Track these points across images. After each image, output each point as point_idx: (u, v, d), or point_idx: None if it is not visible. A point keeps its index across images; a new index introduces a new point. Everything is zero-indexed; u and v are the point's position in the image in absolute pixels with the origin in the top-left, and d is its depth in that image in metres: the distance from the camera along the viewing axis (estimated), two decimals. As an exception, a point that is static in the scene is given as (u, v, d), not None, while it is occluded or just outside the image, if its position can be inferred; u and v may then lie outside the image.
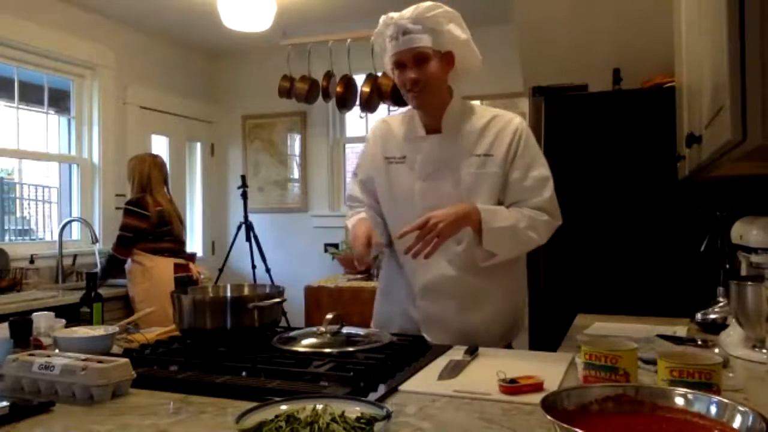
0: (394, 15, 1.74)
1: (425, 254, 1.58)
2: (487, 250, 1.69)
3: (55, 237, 3.99)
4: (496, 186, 1.75)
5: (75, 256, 4.02)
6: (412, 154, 1.82)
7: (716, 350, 1.53)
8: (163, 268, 3.49)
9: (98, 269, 3.70)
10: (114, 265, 3.61)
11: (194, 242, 5.21)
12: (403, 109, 1.92)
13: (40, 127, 4.12)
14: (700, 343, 1.64)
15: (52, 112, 4.21)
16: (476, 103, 1.92)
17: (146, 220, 3.49)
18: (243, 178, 4.73)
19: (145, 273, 3.46)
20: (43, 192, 4.32)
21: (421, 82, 1.72)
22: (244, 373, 1.32)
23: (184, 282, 3.48)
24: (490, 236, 1.67)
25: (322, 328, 1.58)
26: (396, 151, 1.85)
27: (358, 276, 4.60)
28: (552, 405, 0.85)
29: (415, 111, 1.84)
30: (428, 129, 1.82)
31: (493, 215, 1.68)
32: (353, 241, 1.73)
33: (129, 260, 3.52)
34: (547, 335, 2.72)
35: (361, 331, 1.64)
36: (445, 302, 1.78)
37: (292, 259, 5.05)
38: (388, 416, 0.96)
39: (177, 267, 3.55)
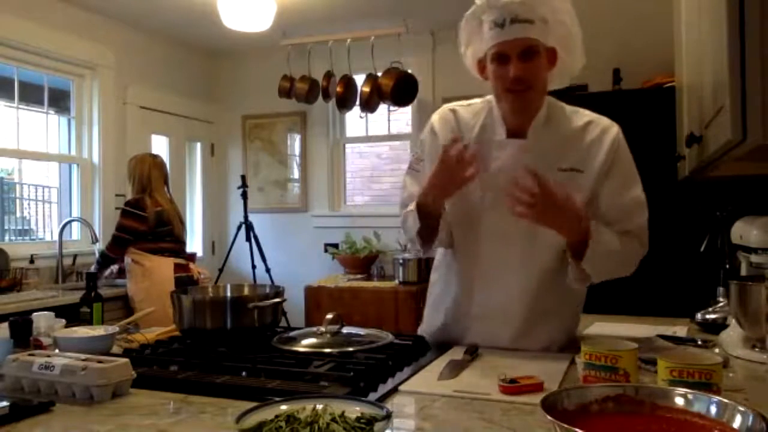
0: None
1: (515, 210, 1.38)
2: (584, 269, 1.48)
3: (55, 237, 3.99)
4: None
5: (75, 256, 4.03)
6: (486, 157, 1.55)
7: (716, 350, 1.53)
8: (164, 268, 3.49)
9: (94, 267, 3.72)
10: (106, 264, 3.64)
11: (194, 242, 5.20)
12: (476, 100, 1.66)
13: (40, 127, 4.11)
14: (700, 343, 1.64)
15: (52, 112, 4.21)
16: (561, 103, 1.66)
17: (144, 222, 3.49)
18: (243, 178, 4.73)
19: (145, 273, 3.46)
20: (43, 192, 4.31)
21: (526, 80, 1.47)
22: (244, 373, 1.33)
23: (185, 282, 3.48)
24: (593, 256, 1.44)
25: (322, 328, 1.58)
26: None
27: (358, 276, 4.60)
28: (552, 405, 0.85)
29: (494, 107, 1.59)
30: (509, 131, 1.57)
31: (599, 232, 1.45)
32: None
33: (129, 260, 3.52)
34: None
35: (361, 331, 1.64)
36: (501, 327, 1.59)
37: (292, 259, 5.05)
38: (388, 416, 0.96)
39: (177, 267, 3.55)
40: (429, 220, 1.56)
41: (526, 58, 1.46)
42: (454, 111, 1.66)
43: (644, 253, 1.56)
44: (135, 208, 3.50)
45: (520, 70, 1.46)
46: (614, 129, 1.58)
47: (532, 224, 1.45)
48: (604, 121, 1.59)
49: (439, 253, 1.76)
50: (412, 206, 1.58)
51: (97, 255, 3.86)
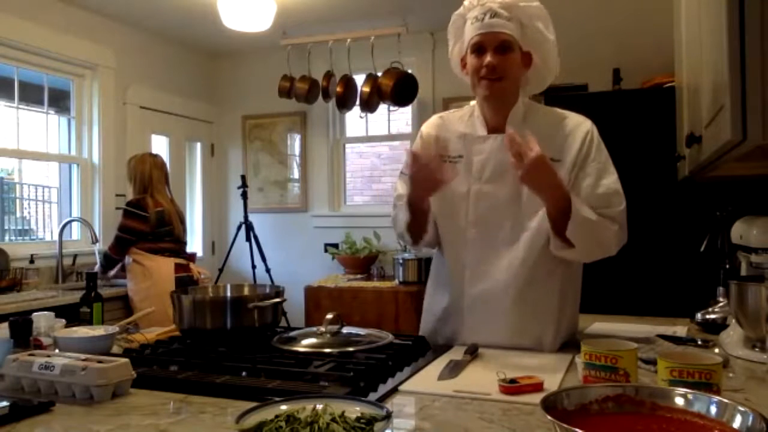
0: None
1: (510, 140, 1.44)
2: (568, 238, 1.52)
3: (55, 237, 3.99)
4: None
5: (75, 256, 4.02)
6: (469, 154, 1.68)
7: (716, 350, 1.53)
8: (164, 268, 3.48)
9: (97, 267, 3.71)
10: (109, 265, 3.63)
11: (194, 242, 5.20)
12: (462, 110, 1.78)
13: (40, 127, 4.11)
14: (700, 343, 1.64)
15: (52, 112, 4.21)
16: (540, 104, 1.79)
17: (145, 222, 3.48)
18: (243, 178, 4.73)
19: (145, 273, 3.46)
20: (43, 192, 4.32)
21: (499, 70, 1.58)
22: (244, 373, 1.33)
23: (185, 282, 3.47)
24: (576, 223, 1.50)
25: (322, 328, 1.58)
26: (452, 149, 1.70)
27: (358, 276, 4.60)
28: (552, 405, 0.85)
29: (476, 108, 1.71)
30: (490, 128, 1.68)
31: (579, 202, 1.52)
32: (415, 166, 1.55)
33: (130, 260, 3.51)
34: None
35: (361, 331, 1.64)
36: (492, 322, 1.63)
37: (292, 259, 5.05)
38: (388, 416, 0.96)
39: (177, 267, 3.54)
40: (418, 216, 1.67)
41: (501, 51, 1.59)
42: (440, 117, 1.80)
43: (624, 238, 1.61)
44: (137, 209, 3.50)
45: (495, 60, 1.58)
46: (587, 123, 1.67)
47: (517, 215, 1.56)
48: (578, 116, 1.69)
49: (432, 262, 1.84)
50: (402, 201, 1.70)
51: (97, 256, 3.86)
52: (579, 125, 1.65)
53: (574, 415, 0.86)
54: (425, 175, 1.55)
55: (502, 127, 1.65)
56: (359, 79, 4.61)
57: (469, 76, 1.66)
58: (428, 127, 1.79)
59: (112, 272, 3.74)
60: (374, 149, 5.22)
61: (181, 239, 3.73)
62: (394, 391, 1.25)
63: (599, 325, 1.98)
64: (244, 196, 4.65)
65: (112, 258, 3.57)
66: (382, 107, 4.64)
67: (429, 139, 1.74)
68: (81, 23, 4.17)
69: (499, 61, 1.58)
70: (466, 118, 1.74)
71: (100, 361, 1.23)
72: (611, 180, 1.62)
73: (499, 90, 1.62)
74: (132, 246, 3.50)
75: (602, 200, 1.59)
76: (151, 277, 3.44)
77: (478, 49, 1.60)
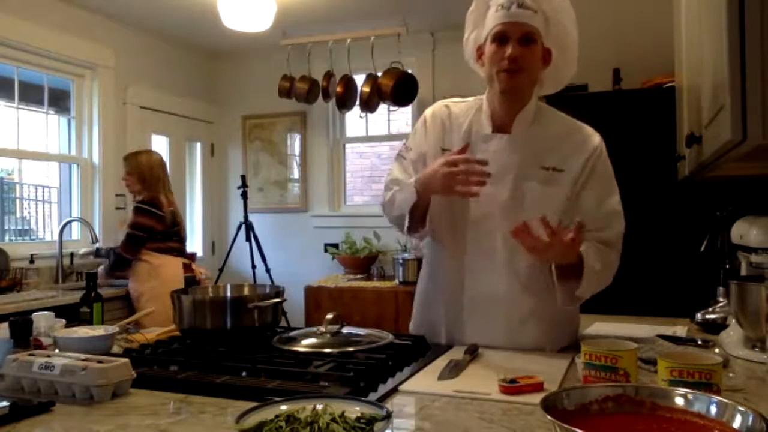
0: None
1: (522, 239, 1.41)
2: (578, 294, 1.53)
3: (55, 237, 3.98)
4: (560, 207, 1.56)
5: (74, 256, 4.02)
6: (472, 151, 1.61)
7: (716, 350, 1.53)
8: (173, 267, 3.45)
9: (99, 268, 3.68)
10: (121, 265, 3.52)
11: (194, 242, 5.20)
12: (470, 99, 1.72)
13: (40, 127, 4.11)
14: (700, 343, 1.64)
15: (52, 112, 4.21)
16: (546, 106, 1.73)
17: (161, 221, 3.46)
18: (243, 178, 4.73)
19: (151, 272, 3.43)
20: (43, 192, 4.31)
21: (521, 61, 1.52)
22: (244, 373, 1.33)
23: (189, 282, 3.44)
24: (588, 280, 1.50)
25: (322, 328, 1.58)
26: (455, 143, 1.64)
27: (358, 276, 4.61)
28: (552, 405, 0.85)
29: (483, 102, 1.66)
30: (495, 127, 1.63)
31: (587, 255, 1.50)
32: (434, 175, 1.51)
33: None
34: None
35: (361, 331, 1.64)
36: (492, 323, 1.62)
37: (292, 259, 5.05)
38: (388, 416, 0.96)
39: (183, 267, 3.52)
40: (423, 203, 1.61)
41: (524, 43, 1.53)
42: (447, 106, 1.73)
43: (618, 262, 1.61)
44: (152, 207, 3.47)
45: (518, 52, 1.52)
46: (597, 137, 1.64)
47: (518, 217, 1.49)
48: (589, 129, 1.66)
49: (426, 254, 1.80)
50: (410, 180, 1.62)
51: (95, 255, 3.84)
52: (588, 138, 1.62)
53: (574, 415, 0.86)
54: (465, 176, 1.47)
55: (508, 126, 1.62)
56: (359, 79, 4.61)
57: (486, 65, 1.59)
58: (434, 114, 1.72)
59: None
60: (374, 149, 5.22)
61: (184, 239, 3.73)
62: (394, 391, 1.25)
63: (599, 325, 1.98)
64: (244, 196, 4.65)
65: (124, 257, 3.47)
66: (382, 107, 4.64)
67: (435, 127, 1.69)
68: (81, 23, 4.17)
69: (522, 53, 1.52)
70: (471, 112, 1.68)
71: (100, 361, 1.23)
72: (614, 200, 1.60)
73: (518, 84, 1.56)
74: (144, 244, 3.48)
75: (604, 221, 1.58)
76: (158, 276, 3.41)
77: (500, 38, 1.54)
